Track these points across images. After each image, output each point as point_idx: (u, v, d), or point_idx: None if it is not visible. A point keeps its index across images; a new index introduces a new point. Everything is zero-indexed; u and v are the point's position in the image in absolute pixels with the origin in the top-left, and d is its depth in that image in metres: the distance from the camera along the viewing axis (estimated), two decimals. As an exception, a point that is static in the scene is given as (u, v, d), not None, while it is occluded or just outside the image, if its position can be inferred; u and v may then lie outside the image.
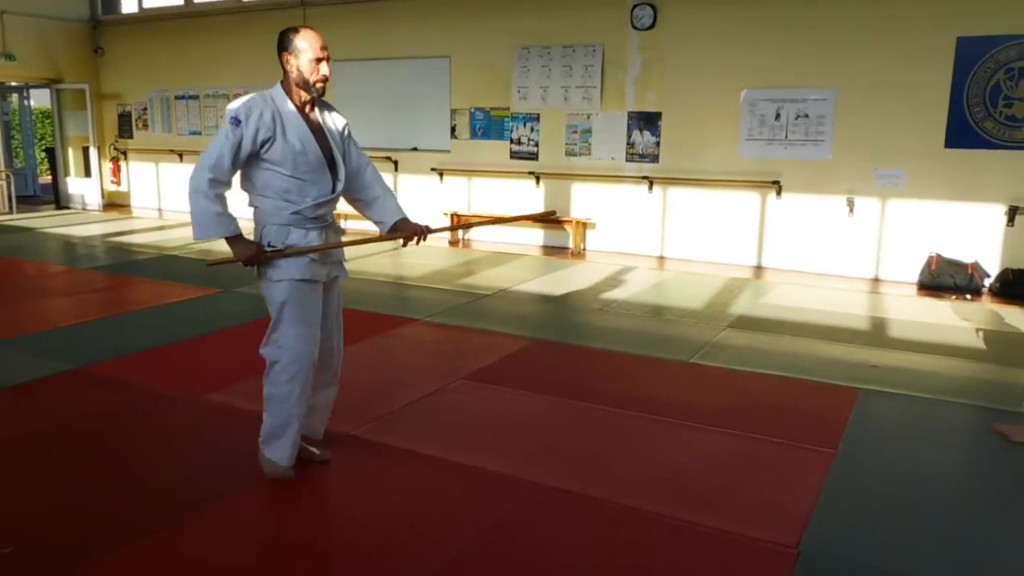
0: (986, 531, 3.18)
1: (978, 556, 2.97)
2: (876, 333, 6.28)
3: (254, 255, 3.27)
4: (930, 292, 7.86)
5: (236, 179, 3.29)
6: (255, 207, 3.36)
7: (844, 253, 8.66)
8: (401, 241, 3.47)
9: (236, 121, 3.13)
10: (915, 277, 8.21)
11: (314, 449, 3.61)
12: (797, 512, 3.23)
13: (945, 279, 7.89)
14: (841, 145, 8.52)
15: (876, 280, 8.48)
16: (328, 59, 3.29)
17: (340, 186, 3.35)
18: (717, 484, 3.55)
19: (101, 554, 2.86)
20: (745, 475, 3.67)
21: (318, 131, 3.30)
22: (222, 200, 3.24)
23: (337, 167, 3.33)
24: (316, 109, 3.35)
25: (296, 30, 3.30)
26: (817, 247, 8.78)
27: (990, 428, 4.18)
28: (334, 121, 3.42)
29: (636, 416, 4.30)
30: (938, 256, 8.01)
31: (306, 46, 3.23)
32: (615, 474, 3.62)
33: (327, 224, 3.40)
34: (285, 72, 3.28)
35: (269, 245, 3.28)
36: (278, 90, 3.28)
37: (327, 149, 3.31)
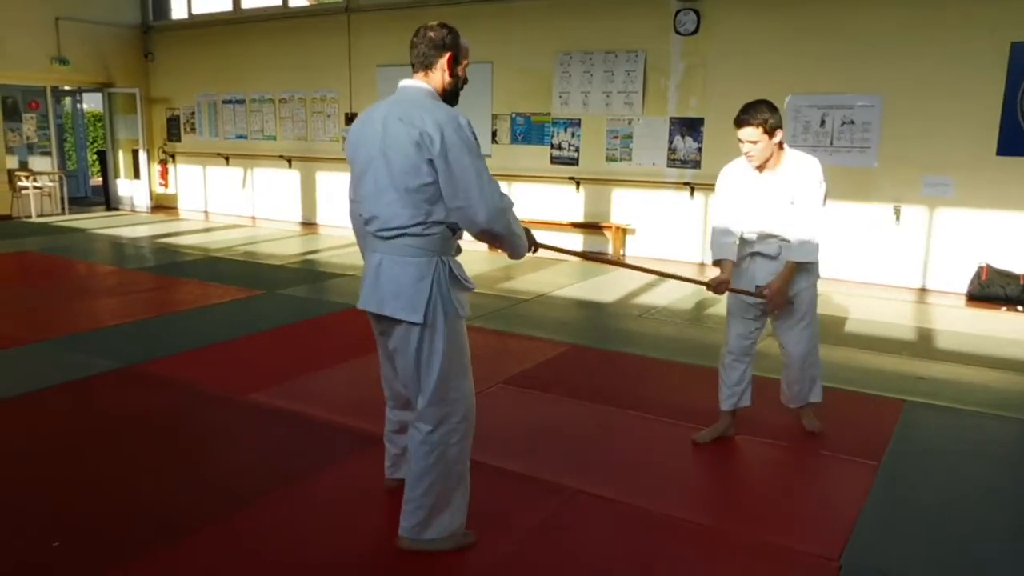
0: (1037, 549, 3.10)
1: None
2: (923, 344, 6.15)
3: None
4: (979, 303, 7.68)
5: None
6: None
7: (890, 262, 8.49)
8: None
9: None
10: (964, 288, 8.02)
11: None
12: (839, 525, 3.18)
13: (995, 290, 7.70)
14: (887, 152, 8.36)
15: (923, 290, 8.31)
16: None
17: None
18: (758, 495, 3.51)
19: (144, 551, 2.92)
20: (787, 486, 3.62)
21: None
22: None
23: None
24: None
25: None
26: (862, 256, 8.62)
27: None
28: None
29: (676, 424, 4.27)
30: (988, 266, 7.82)
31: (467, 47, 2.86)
32: (655, 482, 3.59)
33: None
34: (439, 77, 2.79)
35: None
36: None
37: None
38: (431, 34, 2.74)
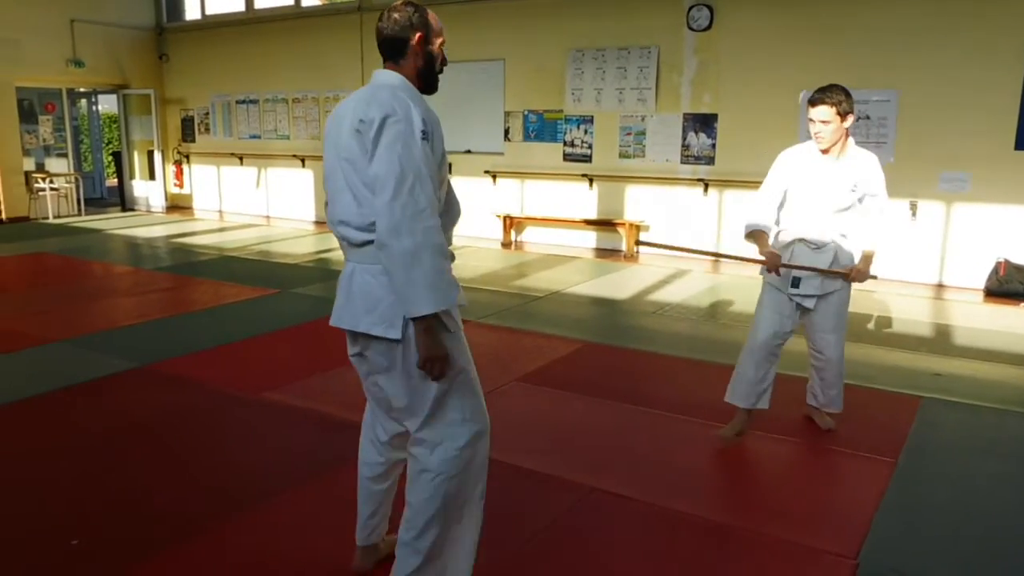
0: (1057, 547, 3.07)
1: (1048, 573, 2.87)
2: (940, 340, 6.10)
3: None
4: (997, 299, 7.60)
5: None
6: None
7: (906, 258, 8.42)
8: None
9: None
10: (982, 283, 7.95)
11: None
12: (856, 522, 3.16)
13: (1014, 285, 7.62)
14: (903, 148, 8.30)
15: (940, 286, 8.24)
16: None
17: None
18: (774, 492, 3.49)
19: (163, 548, 2.94)
20: (803, 484, 3.60)
21: None
22: None
23: None
24: None
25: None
26: (878, 252, 8.54)
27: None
28: None
29: (691, 421, 4.25)
30: (1006, 262, 7.74)
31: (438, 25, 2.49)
32: (671, 479, 3.58)
33: None
34: (411, 63, 2.45)
35: None
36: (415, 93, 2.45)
37: None
38: (396, 15, 2.40)
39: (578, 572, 2.83)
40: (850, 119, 3.65)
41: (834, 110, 3.60)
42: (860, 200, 3.84)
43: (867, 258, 3.94)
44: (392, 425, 2.62)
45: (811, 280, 3.83)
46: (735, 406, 3.97)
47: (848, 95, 3.64)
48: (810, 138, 3.78)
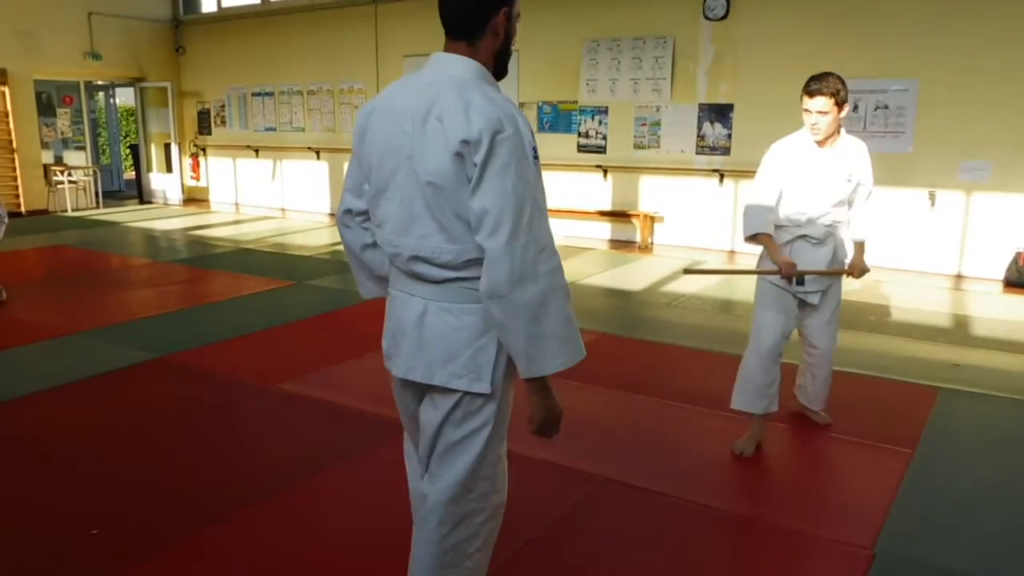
0: (1076, 539, 3.04)
1: (1067, 565, 2.85)
2: (958, 331, 6.05)
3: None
4: (1017, 289, 7.53)
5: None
6: None
7: (925, 248, 8.35)
8: None
9: None
10: (1001, 274, 7.87)
11: None
12: (872, 513, 3.15)
13: (1033, 276, 7.55)
14: (922, 137, 8.21)
15: (959, 276, 8.16)
16: None
17: None
18: (790, 483, 3.48)
19: (182, 536, 2.98)
20: (819, 474, 3.59)
21: None
22: None
23: None
24: None
25: None
26: (896, 242, 8.48)
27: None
28: None
29: (706, 412, 4.24)
30: (1026, 252, 7.67)
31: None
32: (685, 470, 3.58)
33: None
34: (489, 44, 1.96)
35: None
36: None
37: None
38: None
39: (591, 562, 2.84)
40: (846, 108, 3.58)
41: (832, 100, 3.51)
42: (855, 190, 3.80)
43: (861, 249, 3.94)
44: None
45: (817, 279, 3.77)
46: (745, 413, 3.82)
47: (844, 83, 3.56)
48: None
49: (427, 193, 1.85)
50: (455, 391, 1.96)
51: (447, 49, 1.94)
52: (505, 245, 1.77)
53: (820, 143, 3.67)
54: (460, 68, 1.90)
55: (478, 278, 1.85)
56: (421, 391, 2.09)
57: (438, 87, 1.86)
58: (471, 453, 2.02)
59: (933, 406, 4.33)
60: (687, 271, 4.15)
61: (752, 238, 3.75)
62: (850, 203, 3.85)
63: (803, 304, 3.85)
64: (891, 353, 5.33)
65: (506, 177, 1.77)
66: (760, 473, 3.61)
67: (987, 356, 5.31)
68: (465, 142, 1.77)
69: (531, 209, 1.81)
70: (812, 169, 3.68)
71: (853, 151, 3.75)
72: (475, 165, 1.77)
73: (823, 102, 3.52)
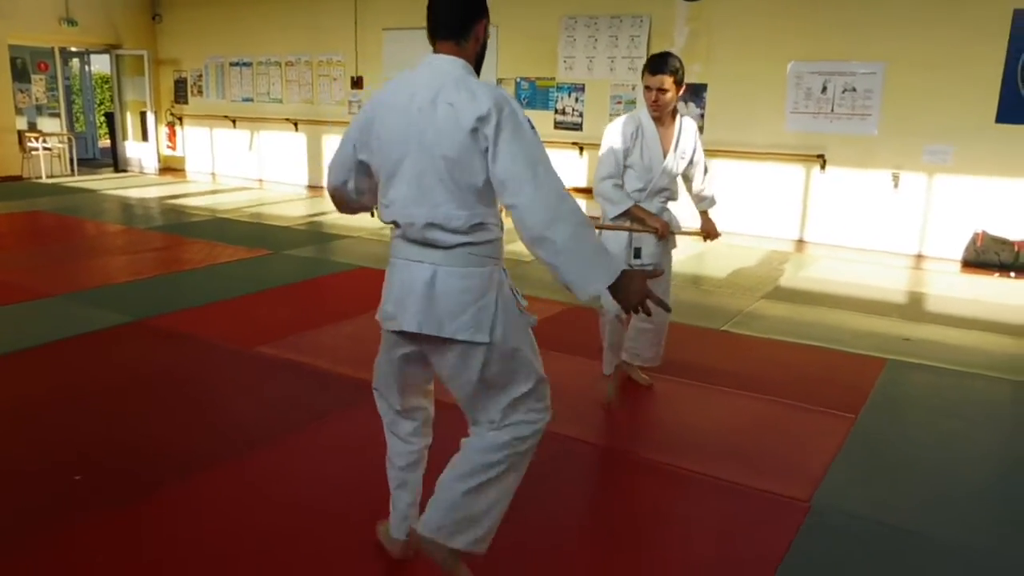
0: (1001, 495, 3.27)
1: (988, 517, 3.07)
2: (914, 307, 6.29)
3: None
4: (974, 269, 7.80)
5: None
6: None
7: (888, 228, 8.59)
8: None
9: None
10: (960, 254, 8.14)
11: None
12: (812, 471, 3.35)
13: (990, 256, 7.81)
14: (888, 120, 8.42)
15: (920, 256, 8.42)
16: None
17: None
18: (737, 443, 3.67)
19: (159, 485, 3.12)
20: (765, 436, 3.78)
21: None
22: None
23: None
24: None
25: None
26: (861, 222, 8.73)
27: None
28: None
29: (662, 378, 4.43)
30: (984, 233, 7.93)
31: None
32: (639, 431, 3.79)
33: None
34: (471, 47, 2.33)
35: None
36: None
37: None
38: None
39: (550, 513, 3.01)
40: (683, 88, 3.82)
41: (672, 79, 3.73)
42: (691, 165, 4.10)
43: (707, 216, 4.33)
44: (414, 400, 2.60)
45: (650, 249, 3.97)
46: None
47: (682, 65, 3.80)
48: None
49: (440, 167, 2.16)
50: (462, 342, 2.25)
51: (437, 51, 2.29)
52: (532, 196, 2.10)
53: (658, 120, 3.89)
54: (453, 65, 2.24)
55: (482, 243, 2.23)
56: (419, 354, 2.39)
57: (439, 80, 2.20)
58: (514, 384, 2.33)
59: (879, 375, 4.55)
60: (599, 227, 4.25)
61: (623, 215, 3.94)
62: (690, 178, 4.19)
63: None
64: (845, 327, 5.55)
65: (516, 144, 2.12)
66: (707, 434, 3.78)
67: (937, 331, 5.54)
68: (480, 119, 2.10)
69: (543, 164, 2.15)
70: (650, 145, 3.91)
71: (687, 128, 4.02)
72: (486, 137, 2.11)
73: (665, 80, 3.74)
